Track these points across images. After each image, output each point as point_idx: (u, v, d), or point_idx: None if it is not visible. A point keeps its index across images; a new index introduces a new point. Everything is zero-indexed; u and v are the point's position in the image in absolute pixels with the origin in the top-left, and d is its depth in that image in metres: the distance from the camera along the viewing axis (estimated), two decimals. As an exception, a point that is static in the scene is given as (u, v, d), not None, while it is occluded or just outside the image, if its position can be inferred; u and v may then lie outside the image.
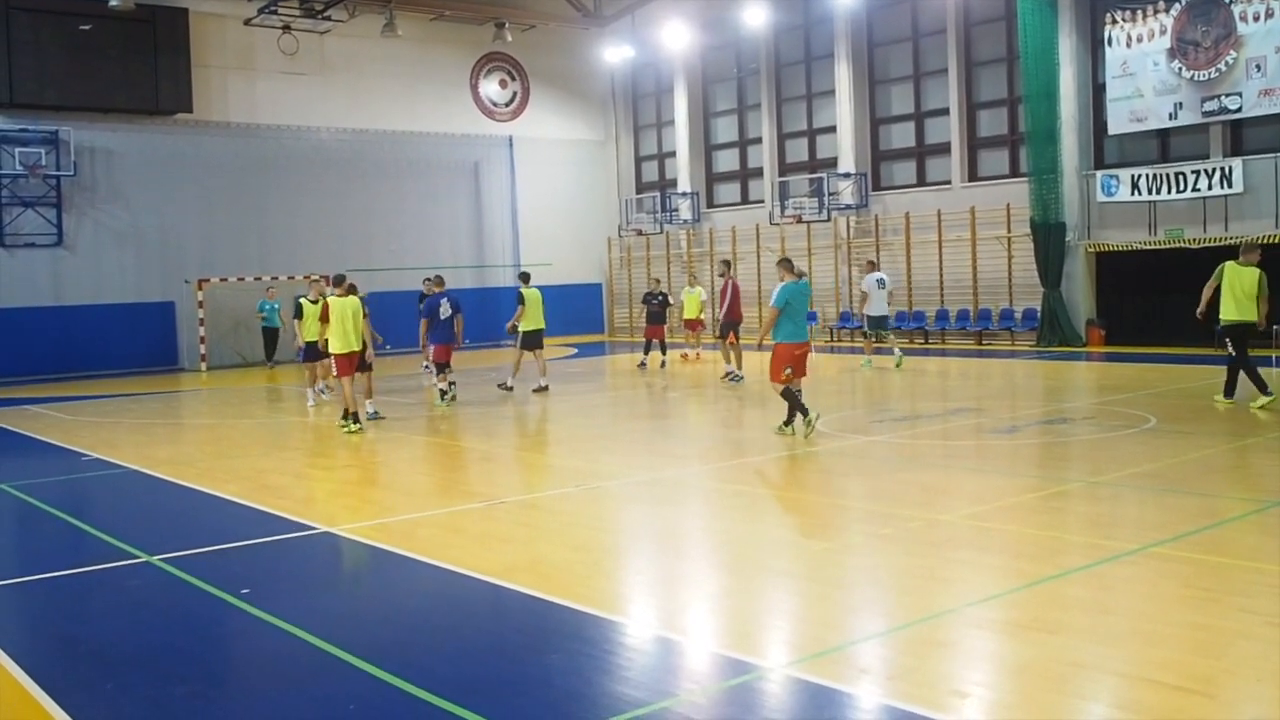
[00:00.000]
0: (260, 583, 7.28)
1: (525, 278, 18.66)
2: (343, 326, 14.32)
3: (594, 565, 7.55)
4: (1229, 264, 13.51)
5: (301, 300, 17.23)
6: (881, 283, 20.77)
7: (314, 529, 8.85)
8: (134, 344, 26.55)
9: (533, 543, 8.22)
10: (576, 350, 28.84)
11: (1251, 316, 13.32)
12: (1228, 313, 13.37)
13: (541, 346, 18.47)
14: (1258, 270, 13.41)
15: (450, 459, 13.00)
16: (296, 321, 17.27)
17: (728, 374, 18.73)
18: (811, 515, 8.92)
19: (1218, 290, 13.47)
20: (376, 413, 15.37)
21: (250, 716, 5.11)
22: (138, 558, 8.01)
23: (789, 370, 12.12)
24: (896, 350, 20.52)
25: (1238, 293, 13.31)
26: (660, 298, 22.52)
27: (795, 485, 10.41)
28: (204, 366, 26.67)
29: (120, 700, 5.32)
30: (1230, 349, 13.47)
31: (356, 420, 14.24)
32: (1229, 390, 13.56)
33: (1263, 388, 13.25)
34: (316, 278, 18.93)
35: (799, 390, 12.30)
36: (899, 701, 4.79)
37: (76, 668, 5.85)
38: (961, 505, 8.71)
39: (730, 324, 19.04)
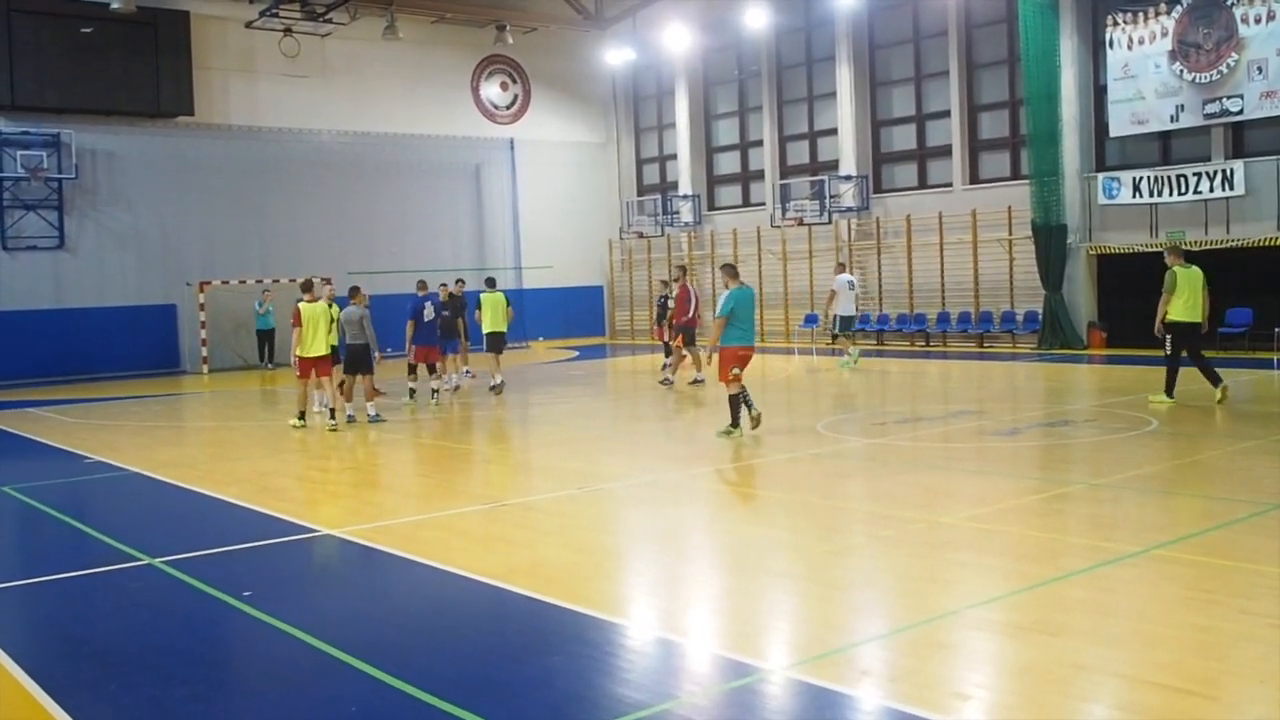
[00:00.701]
0: (262, 585, 7.29)
1: (490, 282, 19.46)
2: (313, 331, 14.78)
3: (596, 567, 7.56)
4: (1177, 269, 13.96)
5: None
6: (851, 284, 21.66)
7: (316, 531, 8.86)
8: (135, 346, 26.57)
9: (534, 545, 8.23)
10: (578, 353, 28.82)
11: (1200, 316, 13.88)
12: (1178, 313, 13.82)
13: (499, 351, 18.66)
14: (1199, 269, 14.04)
15: (451, 461, 13.01)
16: None
17: (696, 380, 18.86)
18: (813, 517, 8.91)
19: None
20: (378, 415, 15.40)
21: (252, 718, 5.12)
22: (140, 560, 8.03)
23: (737, 370, 12.39)
24: (849, 352, 21.07)
25: (1189, 294, 13.79)
26: (662, 300, 22.56)
27: (796, 487, 10.40)
28: (205, 369, 26.69)
29: (122, 701, 5.33)
30: (1169, 347, 13.92)
31: (302, 418, 15.19)
32: (1214, 381, 13.81)
33: (1169, 390, 13.85)
34: (324, 281, 18.90)
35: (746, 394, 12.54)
36: (900, 703, 4.80)
37: (79, 669, 5.85)
38: (963, 507, 8.71)
39: (684, 329, 19.19)
